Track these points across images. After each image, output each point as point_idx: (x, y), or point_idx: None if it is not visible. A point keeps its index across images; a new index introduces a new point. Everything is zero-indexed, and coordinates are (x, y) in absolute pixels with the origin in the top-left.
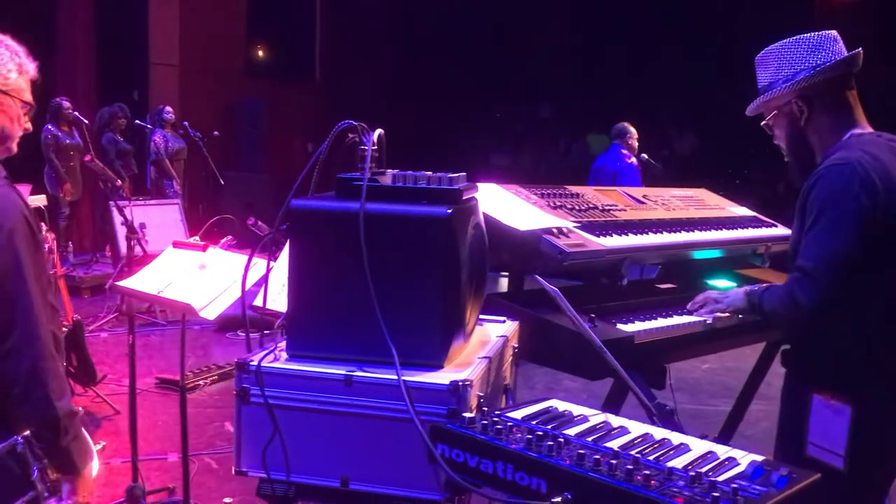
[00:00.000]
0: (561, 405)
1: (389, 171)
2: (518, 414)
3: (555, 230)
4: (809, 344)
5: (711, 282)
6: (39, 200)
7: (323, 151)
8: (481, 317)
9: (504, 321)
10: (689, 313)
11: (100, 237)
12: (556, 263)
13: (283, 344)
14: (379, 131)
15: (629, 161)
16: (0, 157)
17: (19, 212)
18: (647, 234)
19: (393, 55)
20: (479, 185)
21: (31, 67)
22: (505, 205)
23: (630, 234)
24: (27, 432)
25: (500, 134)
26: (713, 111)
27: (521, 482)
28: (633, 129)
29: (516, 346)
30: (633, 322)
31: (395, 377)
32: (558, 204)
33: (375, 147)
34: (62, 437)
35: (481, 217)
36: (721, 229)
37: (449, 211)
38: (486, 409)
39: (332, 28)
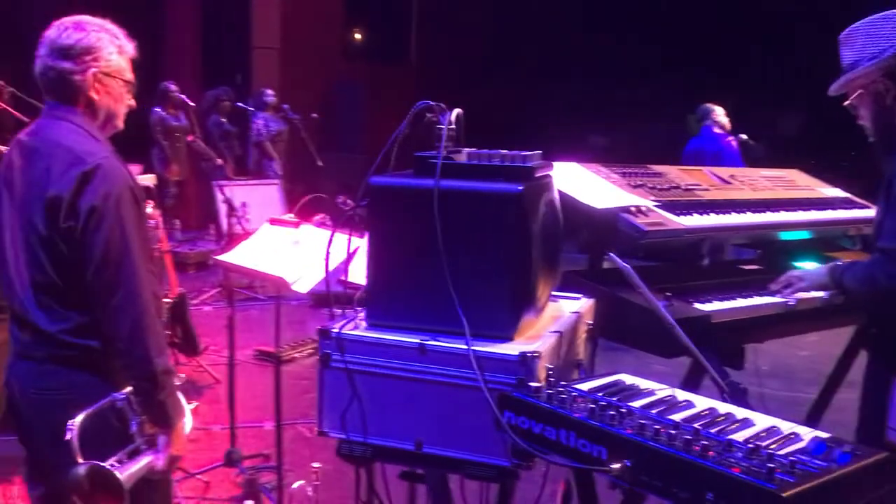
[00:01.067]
0: (629, 379)
1: (465, 149)
2: (585, 386)
3: (633, 209)
4: (891, 327)
5: (799, 264)
6: (149, 180)
7: (402, 130)
8: (556, 293)
9: (580, 298)
10: (772, 294)
11: (205, 215)
12: (633, 242)
13: (363, 313)
14: (457, 111)
15: (727, 141)
16: (108, 134)
17: (125, 182)
18: (729, 213)
19: (489, 36)
20: (558, 163)
21: (131, 47)
22: (584, 183)
23: (711, 214)
24: (127, 389)
25: (598, 114)
26: (823, 89)
27: (583, 449)
28: (717, 108)
29: (591, 322)
30: (711, 301)
31: (466, 347)
32: (639, 183)
33: (453, 126)
34: (159, 392)
35: (556, 194)
36: (809, 210)
37: (520, 188)
38: (553, 380)
39: (428, 9)
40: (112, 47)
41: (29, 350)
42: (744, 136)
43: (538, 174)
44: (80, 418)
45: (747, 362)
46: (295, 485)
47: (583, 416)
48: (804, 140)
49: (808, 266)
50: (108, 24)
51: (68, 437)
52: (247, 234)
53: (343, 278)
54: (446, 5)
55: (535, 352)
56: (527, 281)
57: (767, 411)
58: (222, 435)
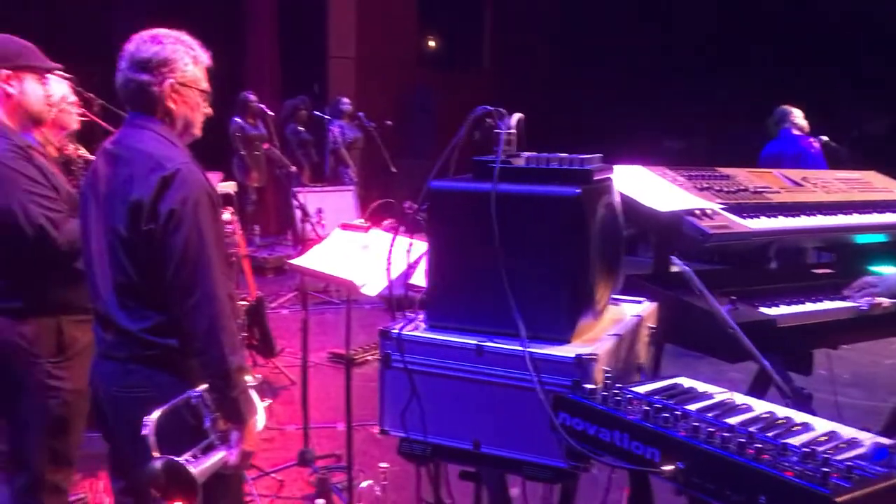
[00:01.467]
0: (687, 382)
1: (525, 153)
2: (642, 389)
3: (697, 211)
4: None
5: (876, 268)
6: (229, 187)
7: (462, 136)
8: (618, 297)
9: (642, 301)
10: (844, 298)
11: (283, 221)
12: (698, 245)
13: (423, 315)
14: (517, 115)
15: (808, 143)
16: (186, 142)
17: (202, 187)
18: (798, 216)
19: (562, 40)
20: (622, 167)
21: (206, 57)
22: (649, 186)
23: (780, 217)
24: (201, 387)
25: (672, 117)
26: None
27: (636, 451)
28: (795, 110)
29: (653, 326)
30: (778, 306)
31: (523, 348)
32: (706, 186)
33: (512, 130)
34: (232, 389)
35: (616, 197)
36: (885, 213)
37: (578, 191)
38: (609, 382)
39: (501, 16)
40: (187, 58)
41: (112, 350)
42: (825, 138)
43: (597, 177)
44: (156, 414)
45: (823, 369)
46: (363, 484)
47: (636, 419)
48: (894, 141)
49: (884, 271)
50: (184, 36)
51: (144, 432)
52: (321, 240)
53: (408, 281)
54: (519, 11)
55: (591, 354)
56: (584, 283)
57: (842, 420)
58: (296, 435)
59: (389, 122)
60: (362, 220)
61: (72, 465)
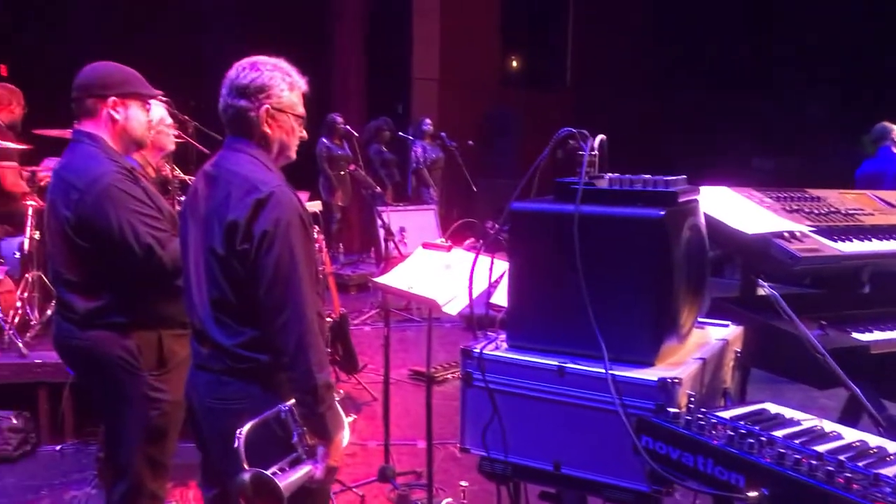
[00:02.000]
0: (774, 408)
1: (608, 175)
2: (727, 414)
3: (786, 234)
4: None
5: None
6: (315, 206)
7: (545, 157)
8: (703, 320)
9: (727, 325)
10: None
11: (366, 240)
12: (787, 268)
13: (504, 335)
14: (600, 137)
15: None
16: (280, 164)
17: (295, 209)
18: (892, 239)
19: (646, 60)
20: (708, 188)
21: (302, 83)
22: (736, 208)
23: (873, 240)
24: (290, 402)
25: (763, 137)
26: None
27: (720, 476)
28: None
29: (739, 350)
30: (871, 331)
31: (605, 371)
32: (794, 208)
33: (595, 152)
34: (319, 405)
35: (701, 219)
36: None
37: (662, 213)
38: (693, 406)
39: (584, 35)
40: (283, 84)
41: (207, 362)
42: None
43: (682, 199)
44: (247, 427)
45: None
46: (444, 502)
47: (721, 444)
48: None
49: None
50: (282, 63)
51: (236, 444)
52: (404, 258)
53: (489, 301)
54: (602, 30)
55: (675, 378)
56: (668, 306)
57: None
58: (377, 451)
59: (471, 142)
60: (444, 240)
61: (168, 474)
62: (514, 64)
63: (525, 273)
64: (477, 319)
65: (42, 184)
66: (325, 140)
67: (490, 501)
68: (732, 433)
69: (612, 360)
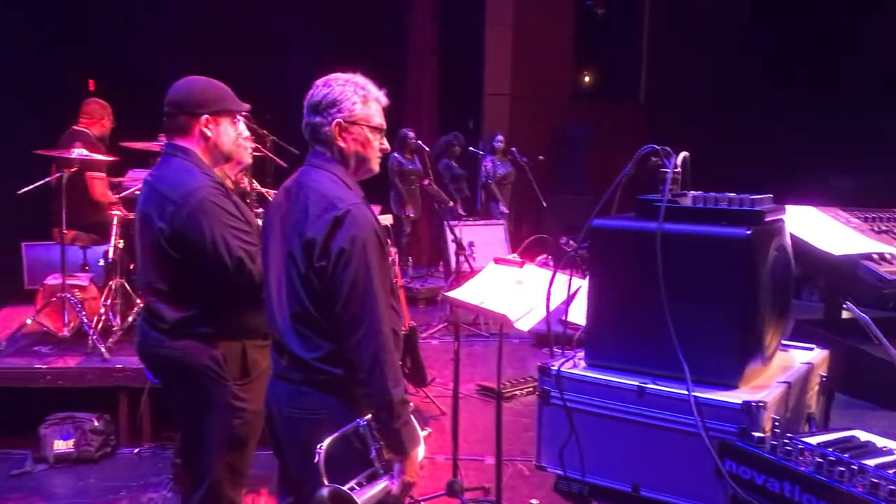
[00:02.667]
0: (864, 436)
1: (691, 192)
2: (814, 440)
3: (875, 256)
4: None
5: None
6: (386, 220)
7: (627, 174)
8: (787, 342)
9: (812, 349)
10: None
11: (435, 254)
12: (876, 291)
13: (581, 353)
14: (683, 154)
15: None
16: (361, 178)
17: (371, 226)
18: None
19: (722, 75)
20: (792, 207)
21: (380, 95)
22: (821, 228)
23: None
24: (368, 416)
25: (841, 155)
26: None
27: None
28: None
29: (824, 374)
30: None
31: (686, 392)
32: (884, 228)
33: (678, 169)
34: (395, 421)
35: (787, 239)
36: None
37: (748, 232)
38: (778, 431)
39: (658, 50)
40: (355, 97)
41: (287, 373)
42: None
43: (768, 218)
44: (327, 441)
45: None
46: None
47: (809, 471)
48: None
49: None
50: (356, 77)
51: (316, 459)
52: (474, 272)
53: (564, 318)
54: (677, 45)
55: (760, 401)
56: (753, 328)
57: None
58: (445, 465)
59: (542, 158)
60: (516, 255)
61: (245, 481)
62: (587, 79)
63: (605, 291)
64: (551, 336)
65: (126, 194)
66: (396, 155)
67: None
68: (821, 460)
69: (694, 382)
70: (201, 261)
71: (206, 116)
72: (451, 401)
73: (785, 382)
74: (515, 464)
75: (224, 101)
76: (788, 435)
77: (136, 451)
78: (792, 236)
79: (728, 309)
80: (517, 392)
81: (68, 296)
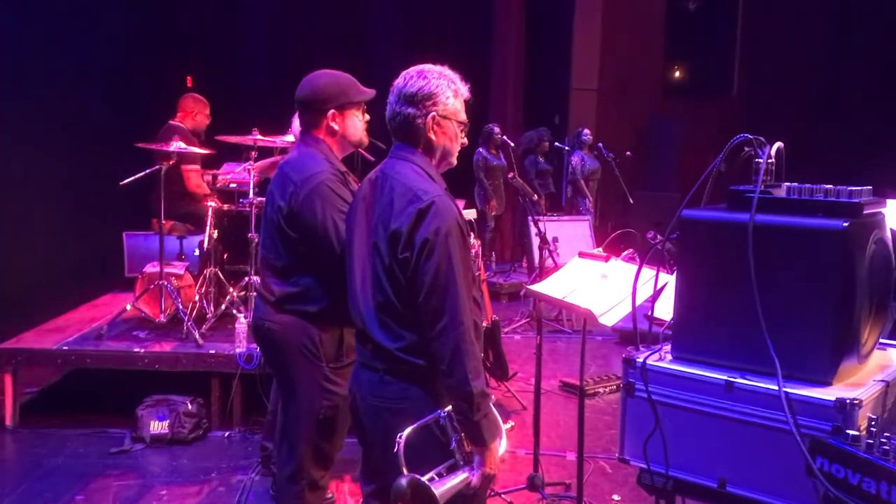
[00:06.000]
0: None
1: (785, 184)
2: None
3: None
4: None
5: None
6: (471, 214)
7: (718, 165)
8: (885, 341)
9: None
10: None
11: (518, 249)
12: None
13: (667, 346)
14: (777, 144)
15: None
16: (442, 170)
17: (454, 218)
18: None
19: (819, 65)
20: (893, 200)
21: (465, 90)
22: None
23: None
24: (449, 407)
25: None
26: None
27: None
28: None
29: None
30: None
31: (777, 388)
32: None
33: (772, 160)
34: (475, 413)
35: (887, 233)
36: None
37: (845, 224)
38: (875, 430)
39: (754, 41)
40: (449, 91)
41: (370, 361)
42: None
43: (867, 210)
44: (407, 431)
45: None
46: None
47: None
48: None
49: None
50: (447, 71)
51: (395, 449)
52: (557, 268)
53: (649, 314)
54: (773, 36)
55: (856, 399)
56: (849, 324)
57: None
58: (526, 459)
59: (629, 153)
60: (600, 250)
61: (331, 465)
62: (677, 73)
63: (694, 283)
64: (637, 331)
65: (220, 186)
66: (482, 150)
67: None
68: None
69: (785, 378)
70: (311, 241)
71: (332, 112)
72: (532, 396)
73: (882, 381)
74: (597, 460)
75: (347, 94)
76: (886, 434)
77: (227, 434)
78: (893, 231)
79: (822, 303)
80: (600, 389)
81: (165, 283)
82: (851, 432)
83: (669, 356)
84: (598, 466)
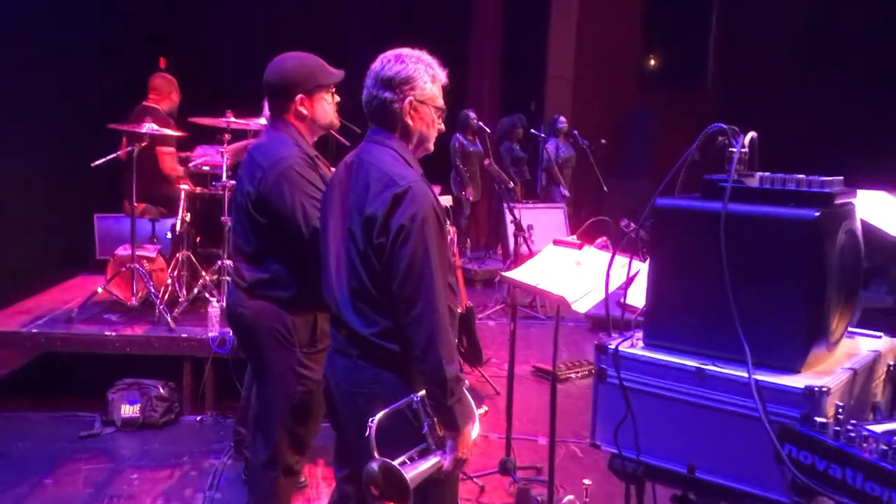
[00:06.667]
0: None
1: (758, 173)
2: (879, 428)
3: None
4: None
5: None
6: (447, 201)
7: (692, 153)
8: (854, 330)
9: (881, 336)
10: None
11: (493, 236)
12: None
13: (639, 333)
14: (751, 134)
15: None
16: (419, 156)
17: (430, 204)
18: None
19: (794, 59)
20: (865, 192)
21: (443, 75)
22: (893, 214)
23: None
24: (422, 392)
25: None
26: None
27: (871, 492)
28: None
29: (892, 363)
30: None
31: (747, 375)
32: None
33: (745, 149)
34: (448, 397)
35: (857, 223)
36: None
37: (816, 214)
38: (842, 417)
39: (729, 33)
40: (427, 76)
41: (344, 347)
42: None
43: (838, 200)
44: (379, 416)
45: None
46: (566, 499)
47: (873, 458)
48: None
49: None
50: (425, 56)
51: (367, 433)
52: (532, 254)
53: (622, 301)
54: (748, 28)
55: (823, 387)
56: (819, 312)
57: None
58: (498, 443)
59: (604, 141)
60: (575, 237)
61: (306, 451)
62: (652, 62)
63: (666, 270)
64: (609, 319)
65: (193, 168)
66: (458, 136)
67: (611, 502)
68: (886, 448)
69: (755, 365)
70: (280, 226)
71: (300, 96)
72: (505, 381)
73: (850, 369)
74: (568, 445)
75: (315, 77)
76: (853, 422)
77: (199, 418)
78: (862, 221)
79: (793, 292)
80: (571, 375)
81: (137, 267)
82: (819, 419)
83: (641, 343)
84: (569, 450)
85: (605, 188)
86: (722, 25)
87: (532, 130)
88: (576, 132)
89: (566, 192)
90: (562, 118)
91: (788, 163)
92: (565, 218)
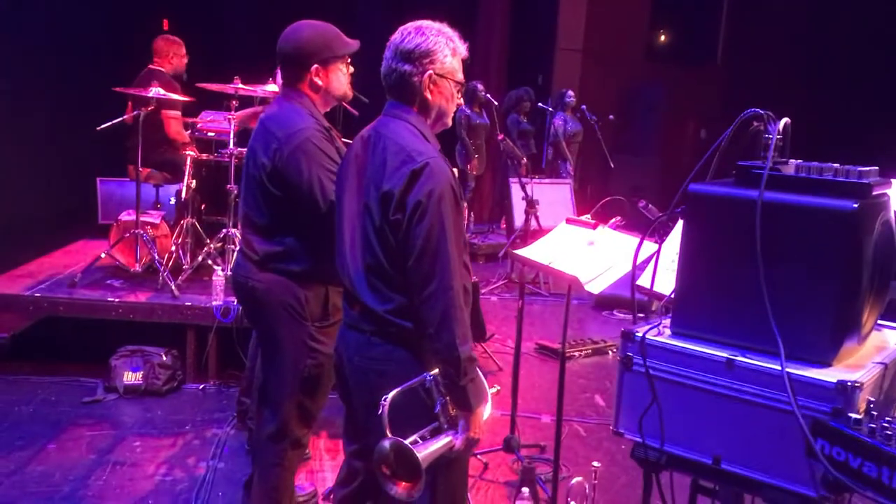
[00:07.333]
0: None
1: (793, 161)
2: None
3: None
4: None
5: None
6: None
7: (725, 138)
8: (881, 322)
9: None
10: None
11: (496, 210)
12: None
13: (667, 321)
14: (785, 120)
15: None
16: (437, 131)
17: (447, 180)
18: None
19: (805, 36)
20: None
21: (463, 49)
22: None
23: None
24: (435, 371)
25: None
26: None
27: None
28: None
29: None
30: None
31: (779, 367)
32: None
33: (780, 136)
34: (461, 377)
35: (891, 215)
36: None
37: (854, 205)
38: (874, 413)
39: (740, 8)
40: (447, 49)
41: (358, 323)
42: None
43: (875, 191)
44: (392, 394)
45: None
46: (574, 480)
47: None
48: None
49: None
50: (445, 28)
51: (380, 411)
52: (540, 230)
53: (648, 286)
54: (759, 4)
55: (857, 381)
56: (853, 305)
57: None
58: (503, 421)
59: (612, 117)
60: (589, 216)
61: (314, 423)
62: (662, 37)
63: (698, 258)
64: (633, 297)
65: (199, 134)
66: (465, 108)
67: (614, 485)
68: None
69: (786, 357)
70: (296, 199)
71: (315, 66)
72: (508, 357)
73: (881, 363)
74: (572, 424)
75: (331, 47)
76: (888, 419)
77: (202, 387)
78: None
79: (828, 284)
80: (575, 353)
81: (141, 232)
82: (852, 415)
83: (668, 331)
84: (572, 430)
85: (612, 164)
86: (734, 1)
87: (539, 104)
88: (584, 107)
89: (571, 168)
90: (570, 92)
91: (801, 142)
92: (571, 194)
